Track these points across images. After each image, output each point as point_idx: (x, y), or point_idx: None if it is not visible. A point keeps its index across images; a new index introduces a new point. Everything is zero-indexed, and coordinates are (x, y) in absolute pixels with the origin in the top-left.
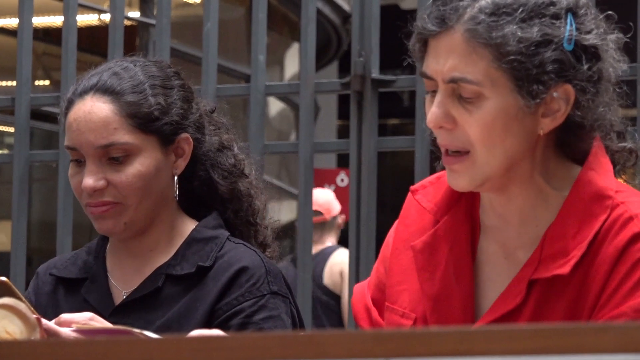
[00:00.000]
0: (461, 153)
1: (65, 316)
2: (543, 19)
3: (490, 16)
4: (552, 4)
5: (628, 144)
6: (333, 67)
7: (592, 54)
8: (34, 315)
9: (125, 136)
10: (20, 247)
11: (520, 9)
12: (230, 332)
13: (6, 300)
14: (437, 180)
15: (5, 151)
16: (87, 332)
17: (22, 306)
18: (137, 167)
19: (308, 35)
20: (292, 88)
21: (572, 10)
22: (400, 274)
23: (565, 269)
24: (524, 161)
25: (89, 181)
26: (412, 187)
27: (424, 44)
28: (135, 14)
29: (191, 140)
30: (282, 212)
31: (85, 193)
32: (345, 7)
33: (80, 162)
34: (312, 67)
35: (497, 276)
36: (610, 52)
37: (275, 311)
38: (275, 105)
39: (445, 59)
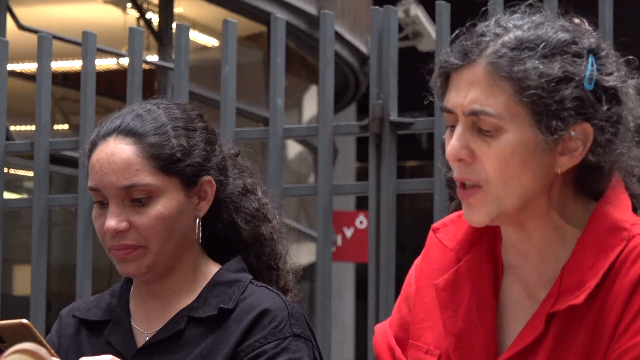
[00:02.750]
0: (477, 186)
1: (85, 359)
2: (565, 56)
3: (513, 50)
4: (574, 42)
5: None
6: (351, 110)
7: (612, 95)
8: None
9: (147, 177)
10: (40, 292)
11: (543, 45)
12: None
13: (26, 345)
14: (458, 219)
15: (25, 195)
16: None
17: (42, 351)
18: (160, 209)
19: (326, 78)
20: (311, 131)
21: (594, 52)
22: (423, 312)
23: (580, 299)
24: (540, 198)
25: (111, 223)
26: (433, 226)
27: (446, 78)
28: (153, 57)
29: (214, 182)
30: (301, 255)
31: (108, 235)
32: (363, 49)
33: (103, 204)
34: (330, 109)
35: (520, 316)
36: (630, 97)
37: (298, 354)
38: (293, 148)
39: (467, 91)
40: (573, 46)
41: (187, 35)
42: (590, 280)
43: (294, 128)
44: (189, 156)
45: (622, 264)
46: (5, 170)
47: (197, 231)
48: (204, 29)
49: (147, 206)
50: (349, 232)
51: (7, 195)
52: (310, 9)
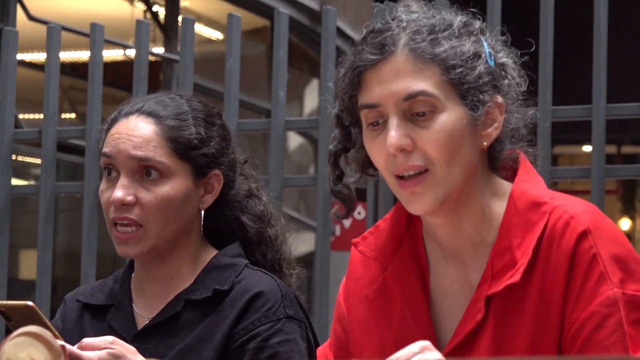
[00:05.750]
0: (420, 173)
1: (87, 340)
2: (469, 36)
3: (429, 34)
4: (470, 24)
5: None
6: None
7: (506, 71)
8: (59, 343)
9: (162, 156)
10: (46, 276)
11: (450, 27)
12: (247, 357)
13: (32, 328)
14: (376, 229)
15: (32, 182)
16: None
17: (48, 334)
18: (167, 189)
19: (327, 72)
20: (312, 123)
21: (483, 32)
22: (360, 328)
23: (516, 277)
24: (471, 180)
25: (118, 194)
26: (353, 241)
27: (358, 78)
28: (159, 49)
29: (222, 177)
30: (300, 244)
31: (112, 207)
32: None
33: (111, 176)
34: (331, 102)
35: (456, 306)
36: (514, 73)
37: (291, 335)
38: (294, 140)
39: (395, 81)
40: (470, 27)
41: (193, 29)
42: (521, 257)
43: (295, 120)
44: (205, 146)
45: (551, 237)
46: (14, 157)
47: (199, 222)
48: (209, 22)
49: (156, 185)
50: (347, 223)
51: (15, 181)
52: (313, 5)
